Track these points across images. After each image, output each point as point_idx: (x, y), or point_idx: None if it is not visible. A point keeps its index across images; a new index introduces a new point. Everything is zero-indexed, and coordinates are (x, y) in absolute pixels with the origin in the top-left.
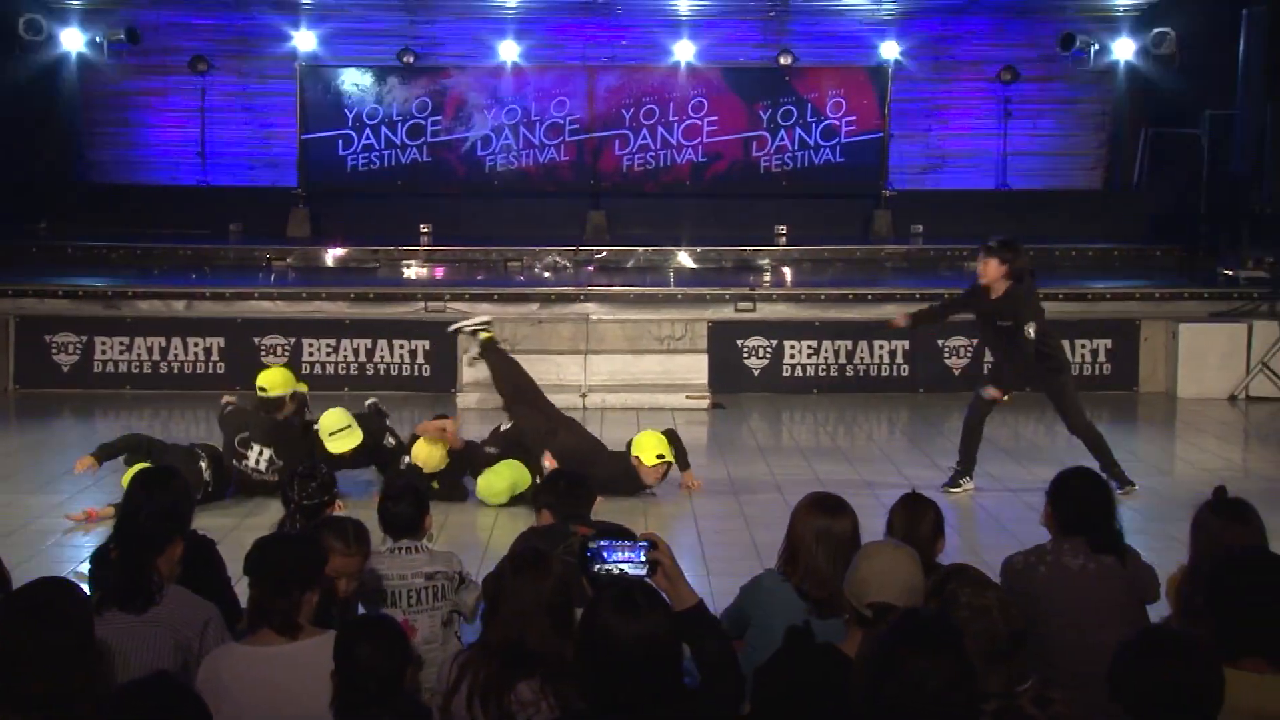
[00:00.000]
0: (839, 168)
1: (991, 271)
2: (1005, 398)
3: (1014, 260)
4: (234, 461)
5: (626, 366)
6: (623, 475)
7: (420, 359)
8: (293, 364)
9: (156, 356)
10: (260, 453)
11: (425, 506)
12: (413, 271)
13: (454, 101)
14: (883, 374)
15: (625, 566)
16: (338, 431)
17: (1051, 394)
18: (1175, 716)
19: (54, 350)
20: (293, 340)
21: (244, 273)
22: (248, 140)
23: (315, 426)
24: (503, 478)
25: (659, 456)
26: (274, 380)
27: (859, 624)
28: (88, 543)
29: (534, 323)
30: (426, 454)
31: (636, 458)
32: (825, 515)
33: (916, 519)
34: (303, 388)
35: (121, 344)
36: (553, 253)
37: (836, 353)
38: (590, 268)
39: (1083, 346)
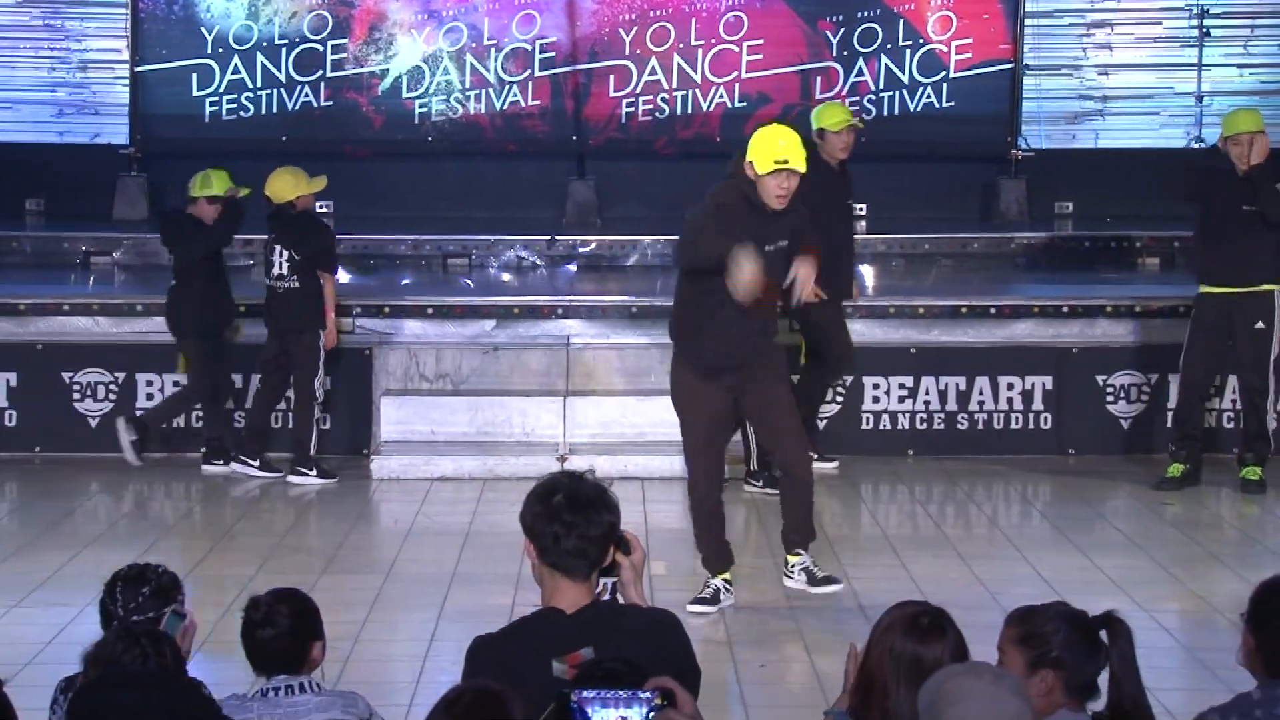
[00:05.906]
0: (946, 117)
1: None
2: None
3: None
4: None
5: (627, 414)
6: None
7: None
8: (123, 407)
9: None
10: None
11: (314, 630)
12: None
13: (366, 18)
14: (1009, 426)
15: None
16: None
17: None
18: None
19: None
20: (121, 376)
21: (47, 274)
22: (52, 75)
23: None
24: None
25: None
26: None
27: None
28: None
29: (486, 350)
30: None
31: (750, 162)
32: (916, 639)
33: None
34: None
35: None
36: (516, 244)
37: (943, 394)
38: (572, 267)
39: None
